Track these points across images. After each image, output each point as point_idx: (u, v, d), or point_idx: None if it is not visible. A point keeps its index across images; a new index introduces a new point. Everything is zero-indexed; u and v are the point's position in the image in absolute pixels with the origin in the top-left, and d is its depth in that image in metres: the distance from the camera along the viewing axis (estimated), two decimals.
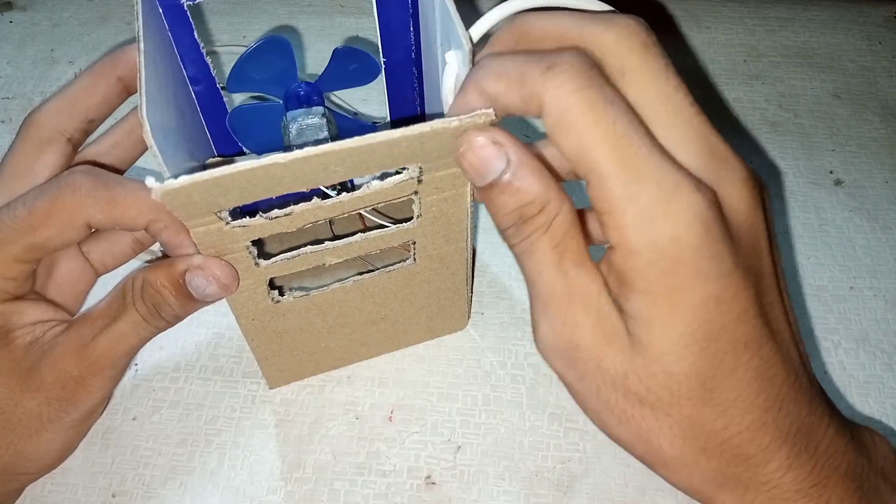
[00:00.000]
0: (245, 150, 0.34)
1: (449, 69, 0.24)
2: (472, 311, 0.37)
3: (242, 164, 0.20)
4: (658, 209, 0.19)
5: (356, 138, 0.20)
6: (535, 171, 0.21)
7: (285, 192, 0.23)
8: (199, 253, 0.25)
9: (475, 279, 0.39)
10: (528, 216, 0.21)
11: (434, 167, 0.24)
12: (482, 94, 0.21)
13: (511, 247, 0.23)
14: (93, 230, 0.27)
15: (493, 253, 0.40)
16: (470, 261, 0.32)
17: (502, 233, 0.23)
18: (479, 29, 0.24)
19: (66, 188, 0.26)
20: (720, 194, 0.20)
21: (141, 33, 0.23)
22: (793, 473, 0.21)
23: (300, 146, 0.28)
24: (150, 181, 0.20)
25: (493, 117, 0.21)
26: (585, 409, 0.23)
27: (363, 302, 0.31)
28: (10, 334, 0.27)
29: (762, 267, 0.21)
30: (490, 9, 0.24)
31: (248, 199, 0.22)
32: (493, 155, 0.21)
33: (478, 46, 0.23)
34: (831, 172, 0.44)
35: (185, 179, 0.20)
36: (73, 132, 0.29)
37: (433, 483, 0.32)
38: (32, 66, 0.49)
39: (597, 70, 0.20)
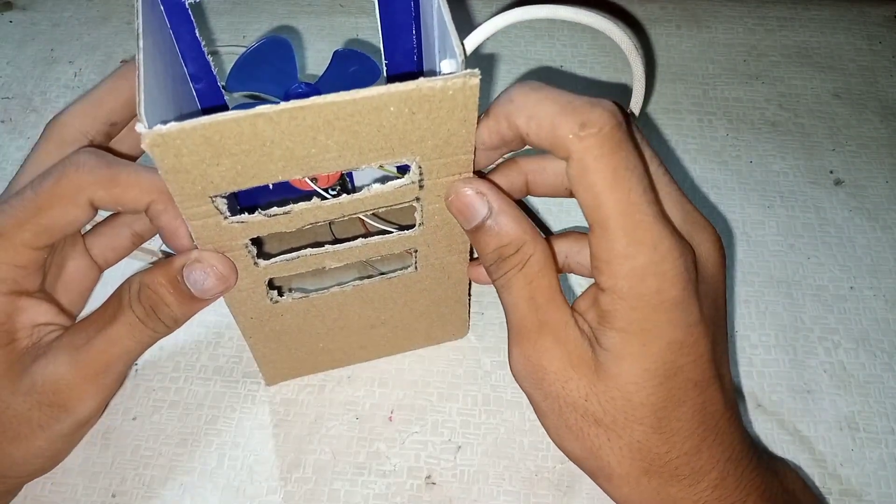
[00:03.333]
0: None
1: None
2: (472, 311, 0.37)
3: (227, 113, 0.20)
4: (650, 269, 0.22)
5: (341, 93, 0.20)
6: (513, 217, 0.24)
7: (279, 175, 0.22)
8: (197, 247, 0.25)
9: None
10: (506, 255, 0.24)
11: (435, 169, 0.24)
12: (512, 127, 0.23)
13: (493, 282, 0.26)
14: (97, 212, 0.26)
15: None
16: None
17: (486, 269, 0.25)
18: (473, 41, 0.24)
19: (70, 166, 0.26)
20: (695, 252, 0.23)
21: (140, 30, 0.23)
22: (719, 492, 0.24)
23: None
24: (140, 127, 0.20)
25: (478, 77, 0.21)
26: (546, 425, 0.25)
27: (363, 306, 0.31)
28: (13, 334, 0.27)
29: (718, 319, 0.25)
30: (485, 19, 0.24)
31: (243, 179, 0.22)
32: (477, 202, 0.24)
33: (471, 57, 0.23)
34: (831, 172, 0.44)
35: (173, 125, 0.19)
36: (95, 134, 0.29)
37: (433, 483, 0.32)
38: (32, 66, 0.49)
39: (624, 132, 0.22)
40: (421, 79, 0.21)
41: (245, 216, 0.24)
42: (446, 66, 0.23)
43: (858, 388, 0.35)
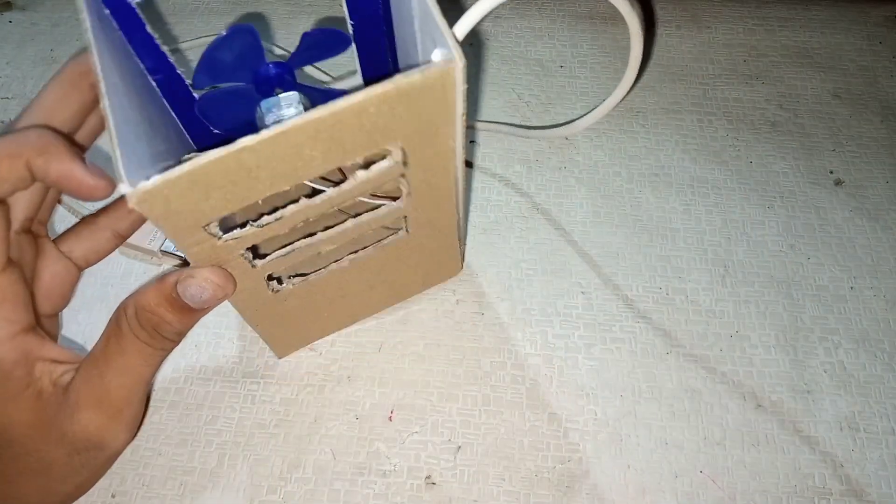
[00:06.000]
0: (216, 131, 0.33)
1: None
2: (472, 311, 0.37)
3: (211, 154, 0.19)
4: None
5: (320, 107, 0.20)
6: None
7: (267, 191, 0.22)
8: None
9: (476, 279, 0.39)
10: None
11: (417, 146, 0.24)
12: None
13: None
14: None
15: (493, 253, 0.40)
16: (462, 213, 0.32)
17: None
18: (463, 28, 0.24)
19: None
20: None
21: (92, 42, 0.22)
22: None
23: None
24: (124, 187, 0.19)
25: (454, 64, 0.21)
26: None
27: (360, 274, 0.32)
28: (32, 377, 0.26)
29: None
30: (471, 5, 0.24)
31: (232, 204, 0.22)
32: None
33: (464, 42, 0.23)
34: (831, 172, 0.44)
35: (157, 179, 0.19)
36: None
37: (433, 483, 0.32)
38: (32, 66, 0.49)
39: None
40: (398, 76, 0.21)
41: (237, 231, 0.24)
42: (437, 55, 0.23)
43: (859, 389, 0.35)
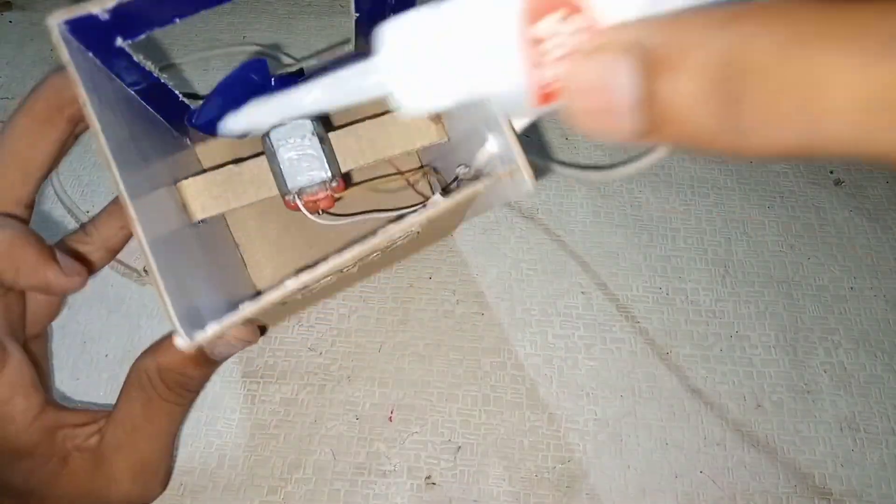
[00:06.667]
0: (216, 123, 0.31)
1: (486, 150, 0.24)
2: (472, 311, 0.37)
3: (263, 299, 0.21)
4: None
5: (361, 242, 0.21)
6: None
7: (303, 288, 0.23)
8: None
9: (476, 279, 0.39)
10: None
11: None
12: None
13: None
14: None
15: (493, 254, 0.40)
16: None
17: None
18: (522, 121, 0.23)
19: None
20: None
21: (87, 102, 0.21)
22: None
23: (299, 191, 0.27)
24: (180, 341, 0.20)
25: (530, 185, 0.22)
26: None
27: (364, 268, 0.32)
28: (54, 443, 0.26)
29: None
30: None
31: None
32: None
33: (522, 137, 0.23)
34: (831, 172, 0.44)
35: (213, 329, 0.20)
36: (30, 195, 0.26)
37: (433, 483, 0.32)
38: (32, 66, 0.49)
39: None
40: (458, 193, 0.22)
41: (263, 299, 0.23)
42: (492, 146, 0.23)
43: (858, 389, 0.35)
